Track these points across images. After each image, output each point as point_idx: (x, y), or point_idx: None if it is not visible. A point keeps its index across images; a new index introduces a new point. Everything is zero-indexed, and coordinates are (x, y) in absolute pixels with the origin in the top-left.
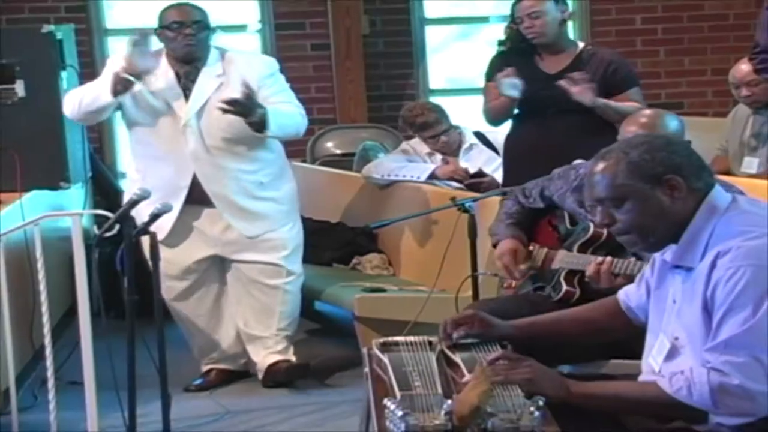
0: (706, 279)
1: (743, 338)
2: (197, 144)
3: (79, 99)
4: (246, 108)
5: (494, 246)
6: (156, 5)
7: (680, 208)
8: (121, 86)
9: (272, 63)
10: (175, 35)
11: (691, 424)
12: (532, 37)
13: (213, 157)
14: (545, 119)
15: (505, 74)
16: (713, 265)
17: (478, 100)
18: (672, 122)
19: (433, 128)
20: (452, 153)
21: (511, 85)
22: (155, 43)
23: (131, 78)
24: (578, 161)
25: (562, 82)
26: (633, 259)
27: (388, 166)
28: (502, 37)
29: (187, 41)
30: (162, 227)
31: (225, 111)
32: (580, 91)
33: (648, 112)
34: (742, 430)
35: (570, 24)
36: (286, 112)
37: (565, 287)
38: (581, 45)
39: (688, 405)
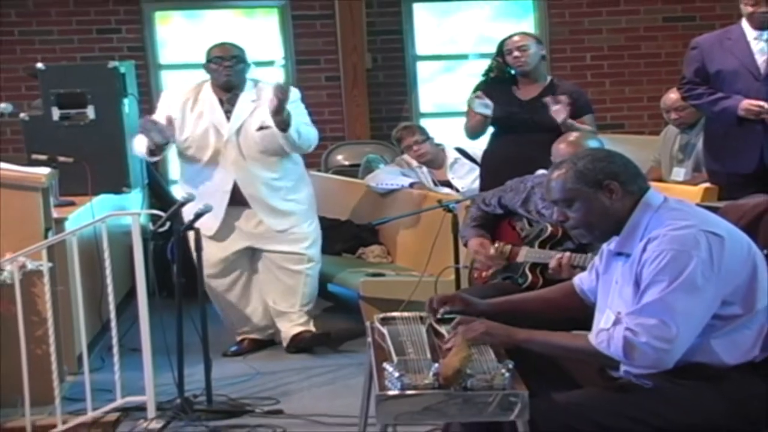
0: (639, 260)
1: (656, 305)
2: (237, 155)
3: (139, 152)
4: (282, 102)
5: (465, 245)
6: (200, 44)
7: (619, 207)
8: (153, 152)
9: (296, 92)
10: (217, 67)
11: (608, 370)
12: (519, 66)
13: (249, 166)
14: (518, 137)
15: (478, 96)
16: (644, 249)
17: (460, 121)
18: (592, 142)
19: (406, 139)
20: (437, 166)
21: (483, 105)
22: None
23: (158, 145)
24: (540, 171)
25: (547, 99)
26: (589, 255)
27: (381, 177)
28: (487, 67)
29: (227, 72)
30: (210, 226)
31: (275, 115)
32: (559, 110)
33: (575, 134)
34: (643, 377)
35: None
36: (304, 125)
37: (530, 277)
38: (549, 78)
39: (606, 355)
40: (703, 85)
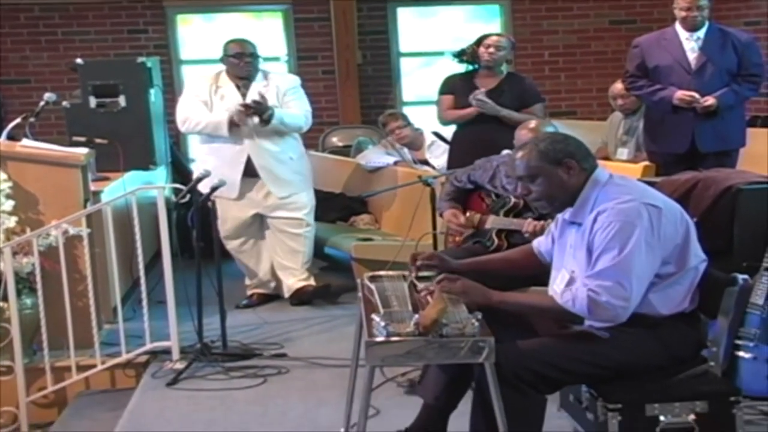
0: (590, 229)
1: (611, 270)
2: (250, 132)
3: (196, 125)
4: (257, 110)
5: (441, 216)
6: (215, 43)
7: (575, 182)
8: (234, 127)
9: (297, 79)
10: (238, 62)
11: (572, 324)
12: (487, 59)
13: (260, 140)
14: (482, 122)
15: (481, 92)
16: (595, 220)
17: (435, 109)
18: (549, 127)
19: (390, 124)
20: (416, 147)
21: (482, 102)
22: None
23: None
24: (505, 152)
25: (478, 100)
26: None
27: (370, 156)
28: (461, 50)
29: (247, 67)
30: (231, 191)
31: (244, 113)
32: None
33: (534, 120)
34: (604, 329)
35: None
36: (290, 114)
37: (496, 241)
38: (505, 71)
39: (571, 312)
40: (643, 78)
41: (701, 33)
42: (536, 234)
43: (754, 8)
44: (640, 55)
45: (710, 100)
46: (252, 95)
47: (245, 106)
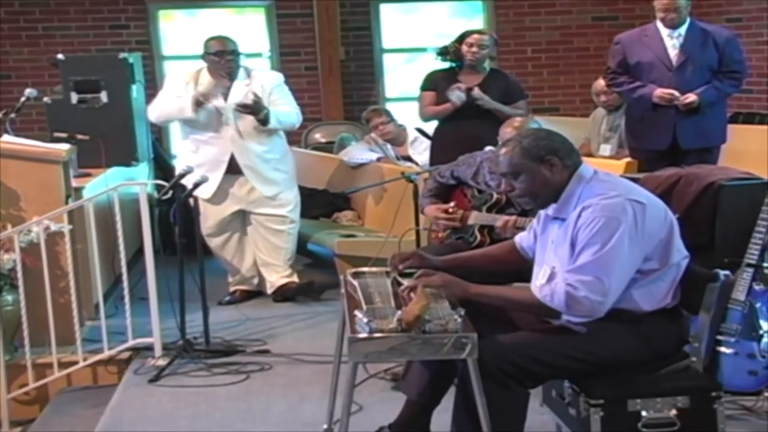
0: (574, 225)
1: (592, 265)
2: (234, 131)
3: (165, 111)
4: (254, 109)
5: (422, 213)
6: (197, 38)
7: (558, 179)
8: (198, 107)
9: (280, 76)
10: (219, 60)
11: (550, 319)
12: (470, 58)
13: (244, 140)
14: (464, 119)
15: (457, 87)
16: (579, 216)
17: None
18: (532, 124)
19: (373, 120)
20: (399, 143)
21: (457, 97)
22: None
23: (204, 101)
24: (488, 148)
25: (474, 93)
26: (529, 218)
27: (353, 153)
28: (443, 48)
29: (228, 64)
30: (207, 191)
31: (241, 111)
32: (480, 96)
33: (519, 118)
34: (581, 324)
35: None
36: (284, 112)
37: (479, 237)
38: (488, 68)
39: (550, 307)
40: (624, 75)
41: (682, 30)
42: (508, 229)
43: (735, 4)
44: (622, 52)
45: (691, 97)
46: (235, 93)
47: (244, 105)
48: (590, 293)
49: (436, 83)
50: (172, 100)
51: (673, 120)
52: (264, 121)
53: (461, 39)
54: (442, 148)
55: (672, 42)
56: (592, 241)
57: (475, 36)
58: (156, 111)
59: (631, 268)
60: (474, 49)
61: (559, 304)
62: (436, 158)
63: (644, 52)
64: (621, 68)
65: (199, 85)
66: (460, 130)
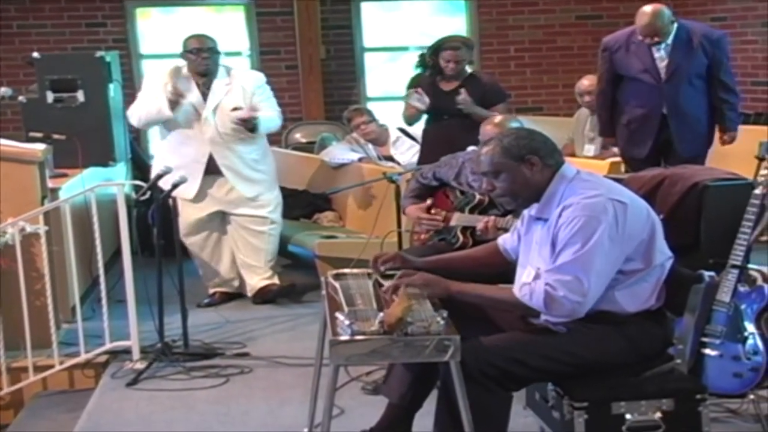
0: (555, 224)
1: (571, 264)
2: (213, 132)
3: (145, 115)
4: (249, 123)
5: (404, 213)
6: (176, 37)
7: (539, 178)
8: (174, 105)
9: (262, 77)
10: (195, 57)
11: (529, 318)
12: (449, 72)
13: (224, 141)
14: (446, 121)
15: (416, 91)
16: (560, 215)
17: (400, 105)
18: (513, 123)
19: (355, 120)
20: (381, 143)
21: (418, 100)
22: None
23: (179, 99)
24: (470, 148)
25: (459, 98)
26: (510, 218)
27: (334, 153)
28: (420, 61)
29: (205, 62)
30: (189, 192)
31: (238, 124)
32: (464, 100)
33: (499, 116)
34: (560, 324)
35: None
36: (269, 117)
37: (461, 238)
38: (469, 71)
39: (528, 306)
40: (611, 99)
41: (669, 39)
42: (489, 230)
43: (720, 3)
44: (609, 60)
45: (728, 141)
46: (217, 92)
47: (244, 120)
48: (569, 293)
49: (419, 86)
50: (150, 101)
51: (656, 131)
52: (253, 130)
53: (435, 52)
54: (428, 149)
55: (659, 53)
56: (572, 240)
57: (449, 53)
58: (136, 115)
59: (611, 268)
60: (451, 65)
61: (537, 304)
62: (425, 158)
63: (632, 63)
64: (609, 75)
65: (166, 84)
66: (441, 131)
